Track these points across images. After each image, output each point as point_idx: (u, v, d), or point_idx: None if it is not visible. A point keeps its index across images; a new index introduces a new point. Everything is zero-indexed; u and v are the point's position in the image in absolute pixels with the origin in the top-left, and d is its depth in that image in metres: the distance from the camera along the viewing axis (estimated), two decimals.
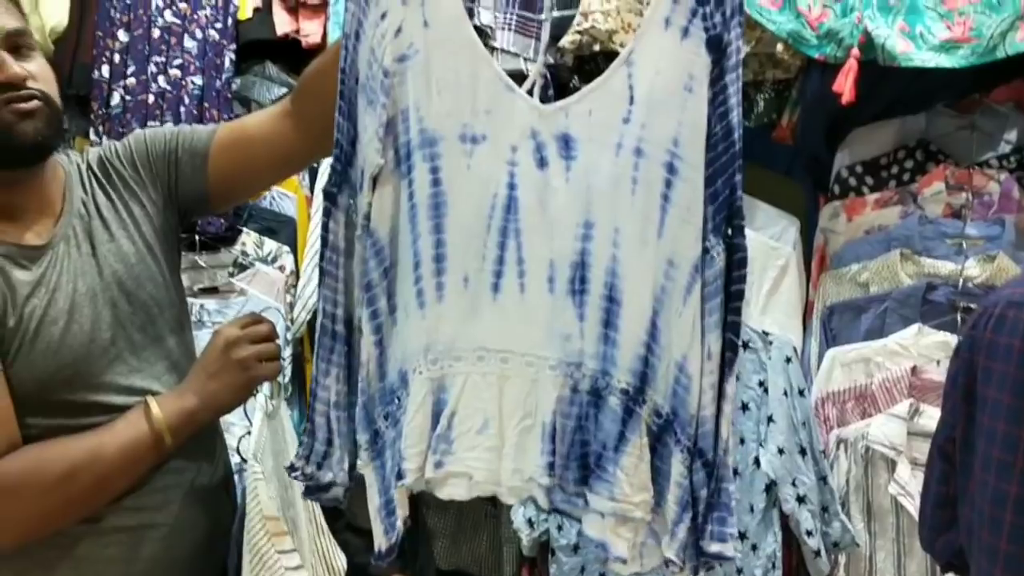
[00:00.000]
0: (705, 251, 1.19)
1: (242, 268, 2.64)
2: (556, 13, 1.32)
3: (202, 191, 1.46)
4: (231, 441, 1.59)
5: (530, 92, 1.27)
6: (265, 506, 1.38)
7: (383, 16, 1.20)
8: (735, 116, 1.19)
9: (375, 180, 1.23)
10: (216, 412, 1.41)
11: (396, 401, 1.25)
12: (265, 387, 1.50)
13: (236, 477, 1.57)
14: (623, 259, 1.20)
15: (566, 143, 1.21)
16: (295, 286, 2.64)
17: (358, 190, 1.25)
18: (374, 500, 1.25)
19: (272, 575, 1.34)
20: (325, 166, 2.61)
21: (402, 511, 1.24)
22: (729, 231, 1.21)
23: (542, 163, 1.21)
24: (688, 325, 1.19)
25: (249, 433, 1.50)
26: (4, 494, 1.24)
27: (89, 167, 1.44)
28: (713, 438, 1.21)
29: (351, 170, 1.26)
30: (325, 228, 1.27)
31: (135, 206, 1.44)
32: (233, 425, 1.73)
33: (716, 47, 1.17)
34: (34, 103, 1.29)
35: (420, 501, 2.57)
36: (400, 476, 1.21)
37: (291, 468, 1.28)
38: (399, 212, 1.24)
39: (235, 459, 1.56)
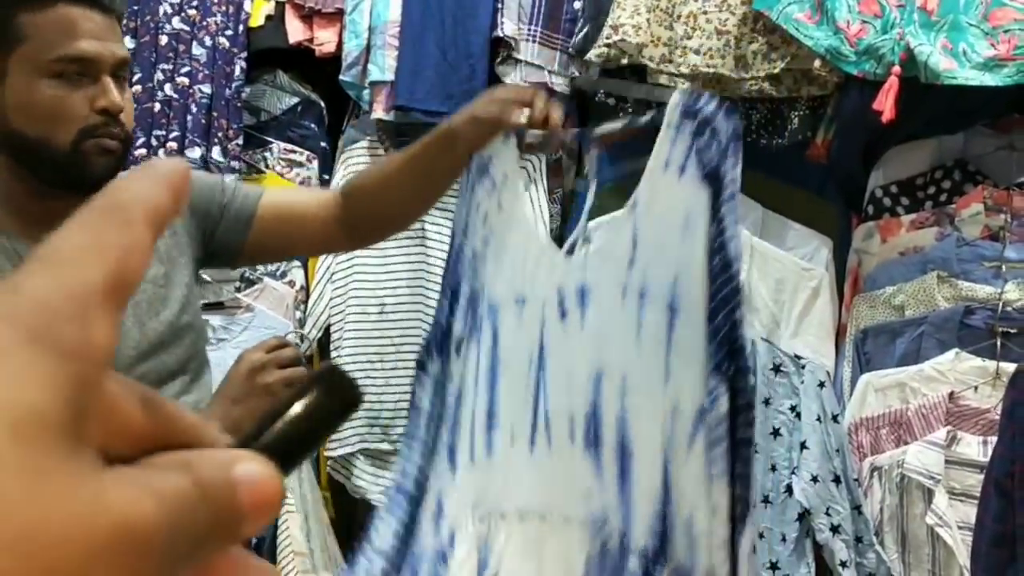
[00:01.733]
0: (708, 393, 1.17)
1: (249, 283, 2.57)
2: (606, 128, 1.32)
3: (238, 248, 1.44)
4: None
5: (571, 250, 1.31)
6: (296, 541, 1.33)
7: (478, 206, 1.34)
8: (733, 247, 1.18)
9: (458, 348, 1.34)
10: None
11: (444, 560, 1.27)
12: None
13: None
14: (632, 408, 1.22)
15: (582, 293, 1.26)
16: (305, 302, 2.57)
17: (448, 356, 1.34)
18: None
19: None
20: (338, 178, 2.55)
21: None
22: (732, 371, 1.18)
23: (563, 315, 1.27)
24: (693, 476, 1.18)
25: None
26: None
27: None
28: None
29: (448, 341, 1.35)
30: (413, 393, 1.34)
31: (168, 232, 1.40)
32: None
33: (713, 180, 1.19)
34: (116, 144, 1.24)
35: None
36: None
37: None
38: (467, 374, 1.33)
39: None
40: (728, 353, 1.18)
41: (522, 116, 1.29)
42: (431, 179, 1.44)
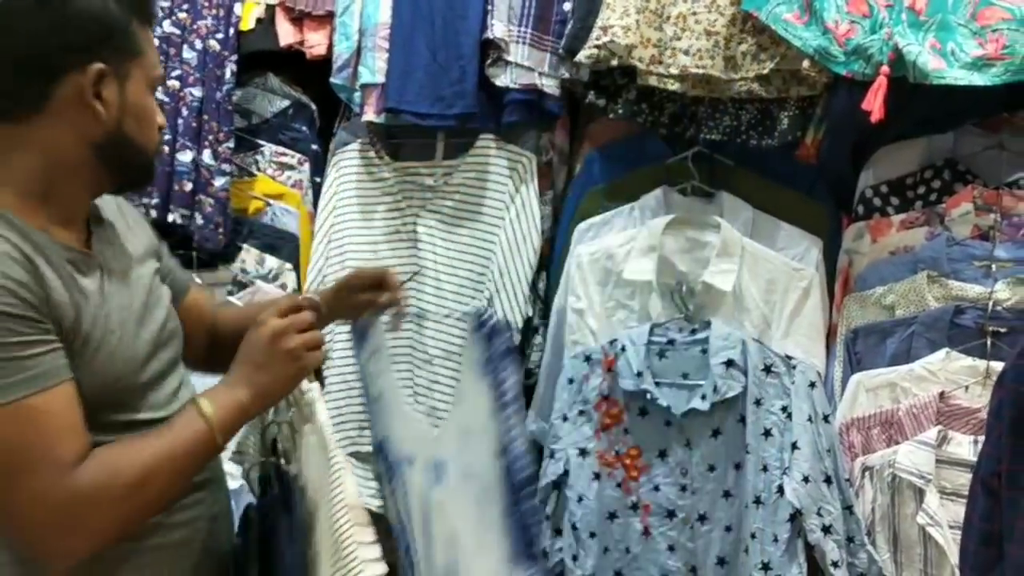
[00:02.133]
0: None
1: (242, 286, 2.58)
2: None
3: None
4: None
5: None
6: (349, 495, 1.39)
7: (365, 365, 1.80)
8: (517, 447, 1.66)
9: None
10: (266, 404, 1.40)
11: None
12: None
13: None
14: (471, 570, 1.67)
15: (443, 466, 1.71)
16: None
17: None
18: None
19: (347, 567, 1.36)
20: (329, 180, 2.55)
21: None
22: (539, 553, 1.64)
23: (436, 480, 1.71)
24: None
25: (272, 423, 1.50)
26: (82, 504, 1.21)
27: None
28: None
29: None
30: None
31: (144, 240, 1.50)
32: None
33: (496, 385, 1.78)
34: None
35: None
36: None
37: None
38: (399, 514, 1.76)
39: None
40: (531, 538, 1.63)
41: (383, 297, 1.66)
42: None
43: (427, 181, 2.47)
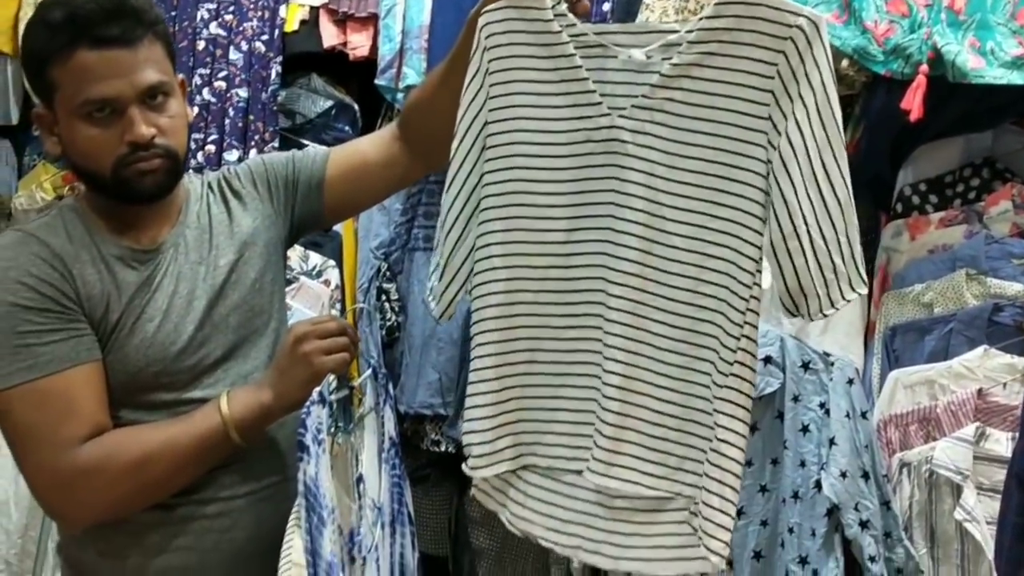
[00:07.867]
0: None
1: (287, 282, 2.62)
2: None
3: (319, 211, 1.60)
4: None
5: None
6: (296, 552, 1.33)
7: None
8: None
9: None
10: (288, 407, 1.42)
11: None
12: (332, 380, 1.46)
13: None
14: None
15: None
16: (341, 301, 2.62)
17: None
18: None
19: None
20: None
21: None
22: None
23: None
24: None
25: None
26: (81, 477, 1.31)
27: (208, 184, 1.55)
28: None
29: None
30: None
31: (247, 219, 1.53)
32: None
33: None
34: (156, 162, 1.36)
35: (466, 519, 2.54)
36: None
37: None
38: None
39: None
40: None
41: None
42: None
43: (636, 56, 1.28)
